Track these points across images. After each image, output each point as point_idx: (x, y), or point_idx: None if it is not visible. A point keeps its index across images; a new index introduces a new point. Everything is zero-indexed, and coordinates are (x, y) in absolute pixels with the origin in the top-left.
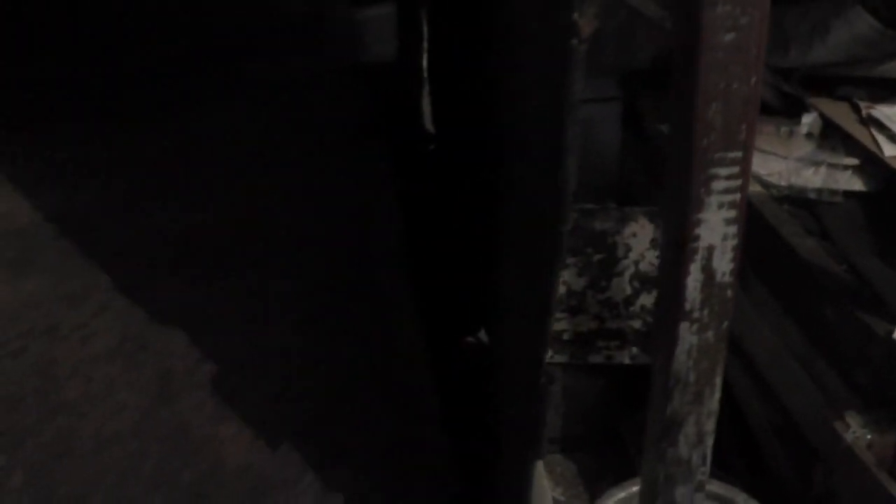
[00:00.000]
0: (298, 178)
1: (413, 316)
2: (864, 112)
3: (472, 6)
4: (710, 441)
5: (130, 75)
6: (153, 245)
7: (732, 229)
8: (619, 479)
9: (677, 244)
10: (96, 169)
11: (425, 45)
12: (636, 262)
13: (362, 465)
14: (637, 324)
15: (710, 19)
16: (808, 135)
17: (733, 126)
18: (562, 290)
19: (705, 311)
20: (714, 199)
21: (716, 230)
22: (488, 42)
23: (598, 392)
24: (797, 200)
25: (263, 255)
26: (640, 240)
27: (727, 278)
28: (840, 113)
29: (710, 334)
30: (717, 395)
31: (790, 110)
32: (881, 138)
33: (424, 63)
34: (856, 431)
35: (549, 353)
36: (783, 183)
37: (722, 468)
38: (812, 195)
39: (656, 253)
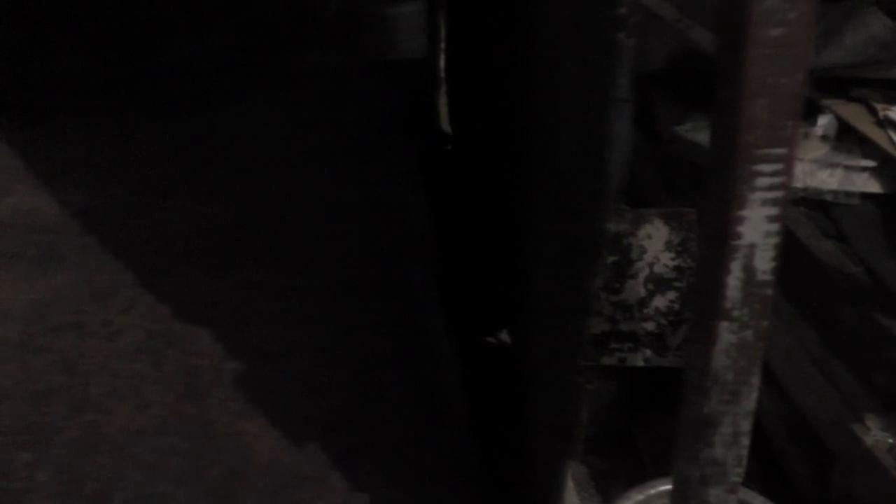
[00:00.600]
0: (327, 172)
1: (440, 314)
2: (880, 113)
3: (501, 4)
4: (746, 441)
5: (163, 71)
6: (180, 240)
7: (774, 227)
8: (632, 481)
9: (718, 241)
10: (125, 164)
11: (443, 45)
12: (651, 265)
13: (389, 462)
14: (650, 326)
15: (758, 14)
16: (824, 136)
17: (779, 122)
18: None
19: (745, 310)
20: (757, 196)
21: (758, 228)
22: (522, 38)
23: (611, 394)
24: (813, 202)
25: (291, 251)
26: (654, 242)
27: (767, 277)
28: (856, 114)
29: (749, 333)
30: (755, 394)
31: (805, 112)
32: None
33: (442, 63)
34: (876, 434)
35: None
36: (799, 185)
37: None
38: (828, 197)
39: (671, 255)
